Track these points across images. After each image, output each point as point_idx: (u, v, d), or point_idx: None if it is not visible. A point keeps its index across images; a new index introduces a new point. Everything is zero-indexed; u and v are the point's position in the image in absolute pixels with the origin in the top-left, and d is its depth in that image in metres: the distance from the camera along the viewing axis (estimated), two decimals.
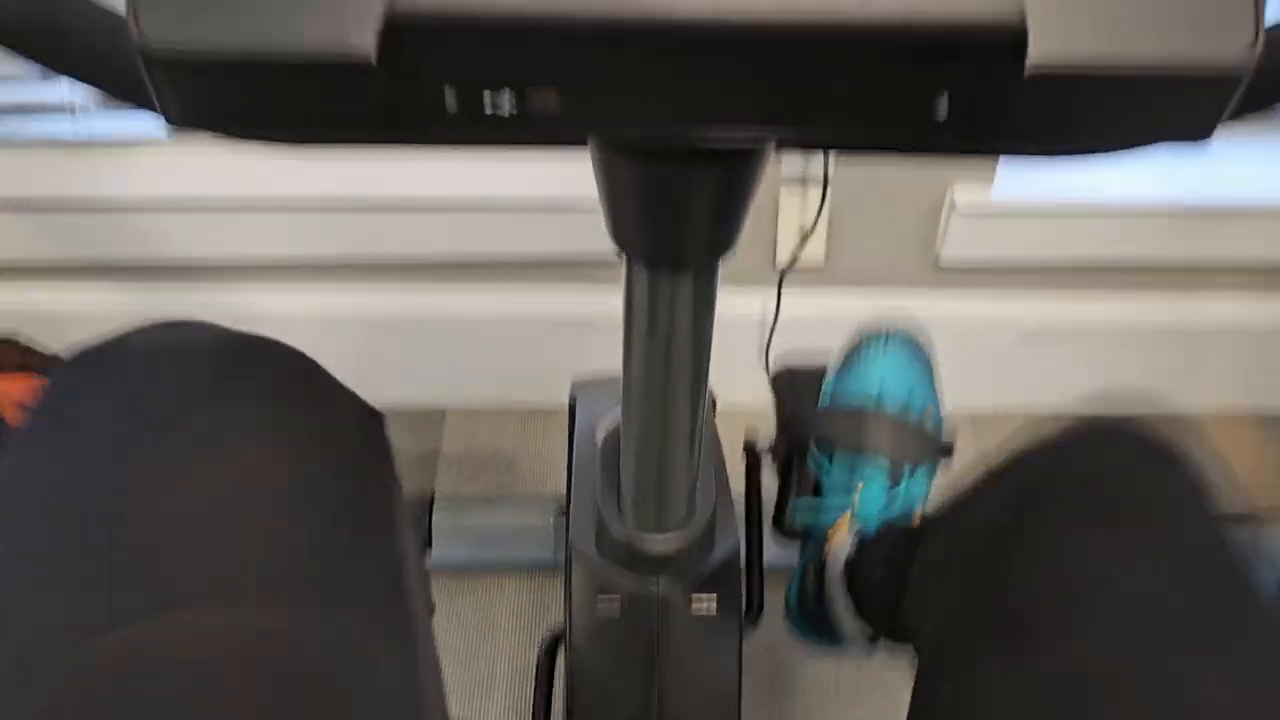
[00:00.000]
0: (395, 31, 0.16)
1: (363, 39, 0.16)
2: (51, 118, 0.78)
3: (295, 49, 0.16)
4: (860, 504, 0.60)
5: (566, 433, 0.54)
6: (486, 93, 0.17)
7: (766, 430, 0.68)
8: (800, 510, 0.64)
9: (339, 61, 0.16)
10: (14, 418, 0.90)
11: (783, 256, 0.81)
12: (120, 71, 0.18)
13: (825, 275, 0.85)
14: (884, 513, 0.59)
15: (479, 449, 0.97)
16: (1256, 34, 0.16)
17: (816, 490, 0.64)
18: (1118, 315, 0.87)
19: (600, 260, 0.82)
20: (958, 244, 0.82)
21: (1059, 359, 0.91)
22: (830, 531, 0.60)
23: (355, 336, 0.91)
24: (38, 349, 0.94)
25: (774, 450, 0.67)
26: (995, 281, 0.87)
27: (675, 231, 0.27)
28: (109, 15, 0.18)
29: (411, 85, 0.17)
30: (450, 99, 0.17)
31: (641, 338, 0.31)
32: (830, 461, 0.63)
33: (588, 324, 0.85)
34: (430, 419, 0.99)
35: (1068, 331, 0.89)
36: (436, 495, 0.86)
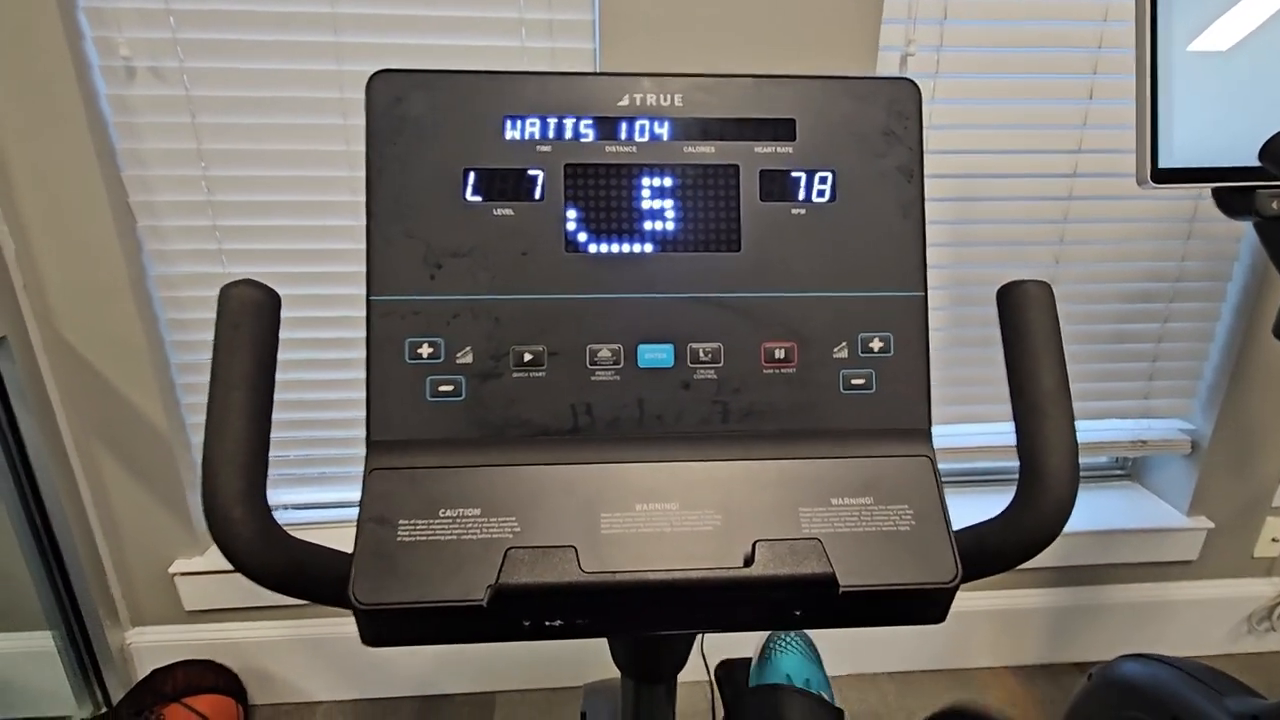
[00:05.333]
0: (498, 593, 0.32)
1: (480, 595, 0.32)
2: None
3: (443, 600, 0.32)
4: None
5: None
6: (547, 623, 0.34)
7: None
8: None
9: (467, 605, 0.32)
10: None
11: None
12: (340, 602, 0.34)
13: None
14: None
15: None
16: (956, 564, 0.34)
17: None
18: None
19: None
20: None
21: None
22: None
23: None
24: (230, 671, 1.23)
25: None
26: None
27: (648, 662, 0.47)
28: (340, 580, 0.34)
29: (504, 616, 0.33)
30: (526, 624, 0.34)
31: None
32: None
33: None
34: (483, 702, 1.30)
35: None
36: None
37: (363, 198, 1.21)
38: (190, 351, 1.12)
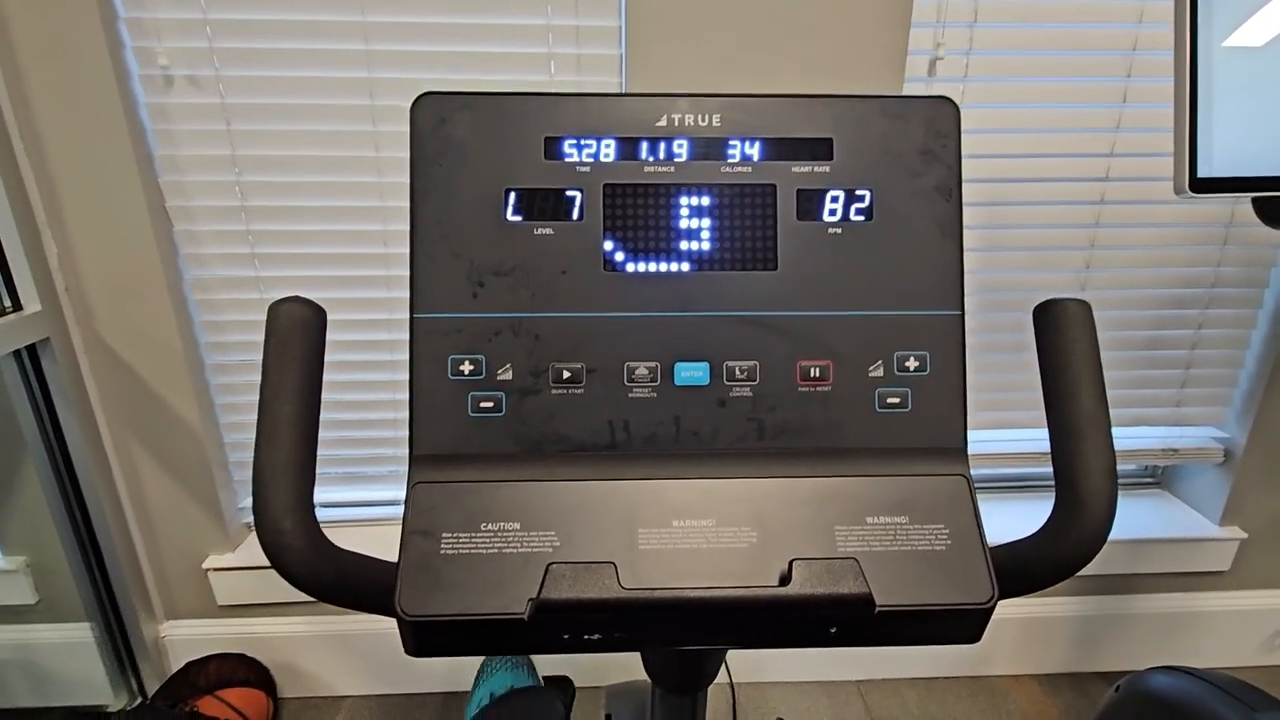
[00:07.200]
0: (538, 607, 0.33)
1: (521, 609, 0.33)
2: None
3: (485, 613, 0.33)
4: None
5: None
6: (585, 636, 0.34)
7: None
8: None
9: (508, 618, 0.33)
10: None
11: None
12: (385, 611, 0.35)
13: None
14: None
15: None
16: (993, 584, 0.34)
17: None
18: None
19: None
20: None
21: None
22: None
23: None
24: (261, 665, 1.26)
25: None
26: None
27: (680, 675, 0.47)
28: (385, 590, 0.35)
29: (543, 629, 0.34)
30: (565, 636, 0.34)
31: None
32: None
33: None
34: None
35: None
36: None
37: (391, 203, 1.22)
38: (224, 353, 1.15)
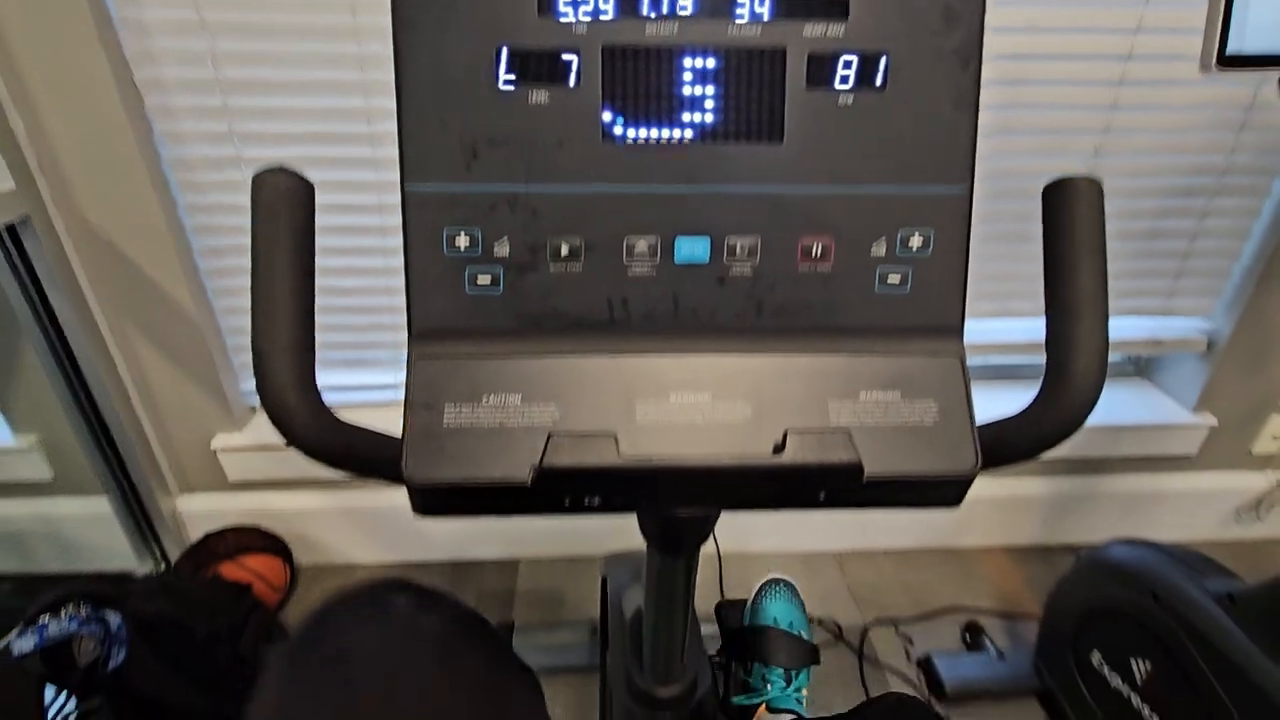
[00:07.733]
0: (540, 474, 0.34)
1: (524, 475, 0.34)
2: None
3: (490, 479, 0.34)
4: (770, 695, 1.02)
5: (600, 594, 0.79)
6: (586, 498, 0.36)
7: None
8: (736, 698, 1.04)
9: (513, 484, 0.34)
10: (264, 591, 1.21)
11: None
12: (394, 478, 0.35)
13: None
14: (784, 699, 0.99)
15: (541, 588, 1.34)
16: (977, 456, 0.35)
17: (745, 686, 1.06)
18: None
19: None
20: None
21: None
22: (755, 713, 1.00)
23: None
24: (276, 535, 1.32)
25: (720, 658, 1.10)
26: None
27: (674, 536, 0.49)
28: (391, 461, 0.35)
29: (545, 494, 0.35)
30: (566, 500, 0.35)
31: (655, 587, 0.54)
32: (750, 669, 1.06)
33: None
34: (508, 567, 1.39)
35: None
36: (515, 623, 1.25)
37: (372, 76, 1.15)
38: (212, 235, 1.12)
